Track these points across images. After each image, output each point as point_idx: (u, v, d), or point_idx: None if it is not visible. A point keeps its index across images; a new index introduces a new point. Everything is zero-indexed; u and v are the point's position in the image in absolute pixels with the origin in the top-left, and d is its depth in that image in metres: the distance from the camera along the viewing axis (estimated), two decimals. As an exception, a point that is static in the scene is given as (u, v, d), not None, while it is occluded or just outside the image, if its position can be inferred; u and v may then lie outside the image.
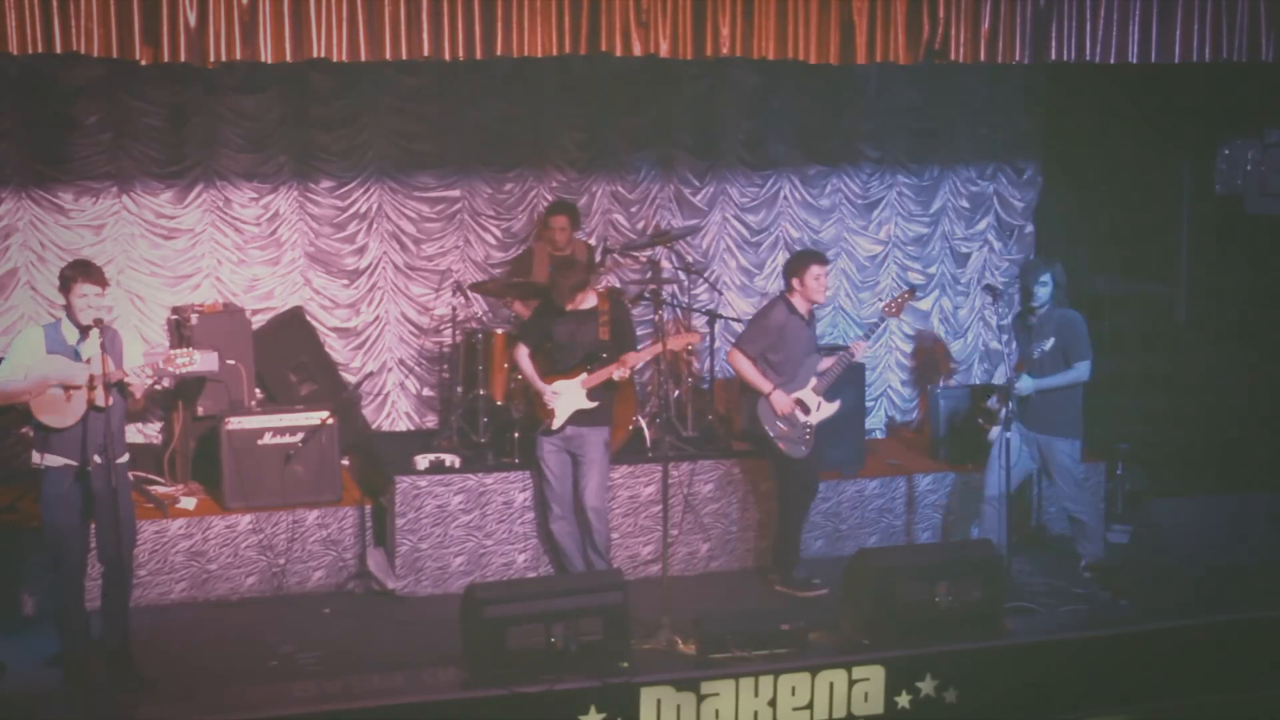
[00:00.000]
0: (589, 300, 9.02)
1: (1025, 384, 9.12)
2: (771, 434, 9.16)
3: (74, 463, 7.55)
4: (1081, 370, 9.23)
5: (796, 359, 9.17)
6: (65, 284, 7.59)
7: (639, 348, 9.25)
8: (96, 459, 7.49)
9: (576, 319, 8.99)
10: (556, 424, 8.96)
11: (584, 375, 8.91)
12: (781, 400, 9.10)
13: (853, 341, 9.34)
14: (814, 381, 9.16)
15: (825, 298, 9.44)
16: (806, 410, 9.14)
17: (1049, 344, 9.09)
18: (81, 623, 7.77)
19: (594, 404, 8.93)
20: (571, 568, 9.14)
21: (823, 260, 9.32)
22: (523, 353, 9.13)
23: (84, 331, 7.54)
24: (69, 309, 7.60)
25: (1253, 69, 9.47)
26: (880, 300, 10.85)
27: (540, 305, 9.28)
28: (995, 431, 9.14)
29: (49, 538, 7.67)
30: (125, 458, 7.82)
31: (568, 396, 8.92)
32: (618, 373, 8.89)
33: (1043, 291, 9.24)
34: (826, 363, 9.22)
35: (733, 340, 9.72)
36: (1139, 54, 9.14)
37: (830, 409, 9.20)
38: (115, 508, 7.52)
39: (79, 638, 7.76)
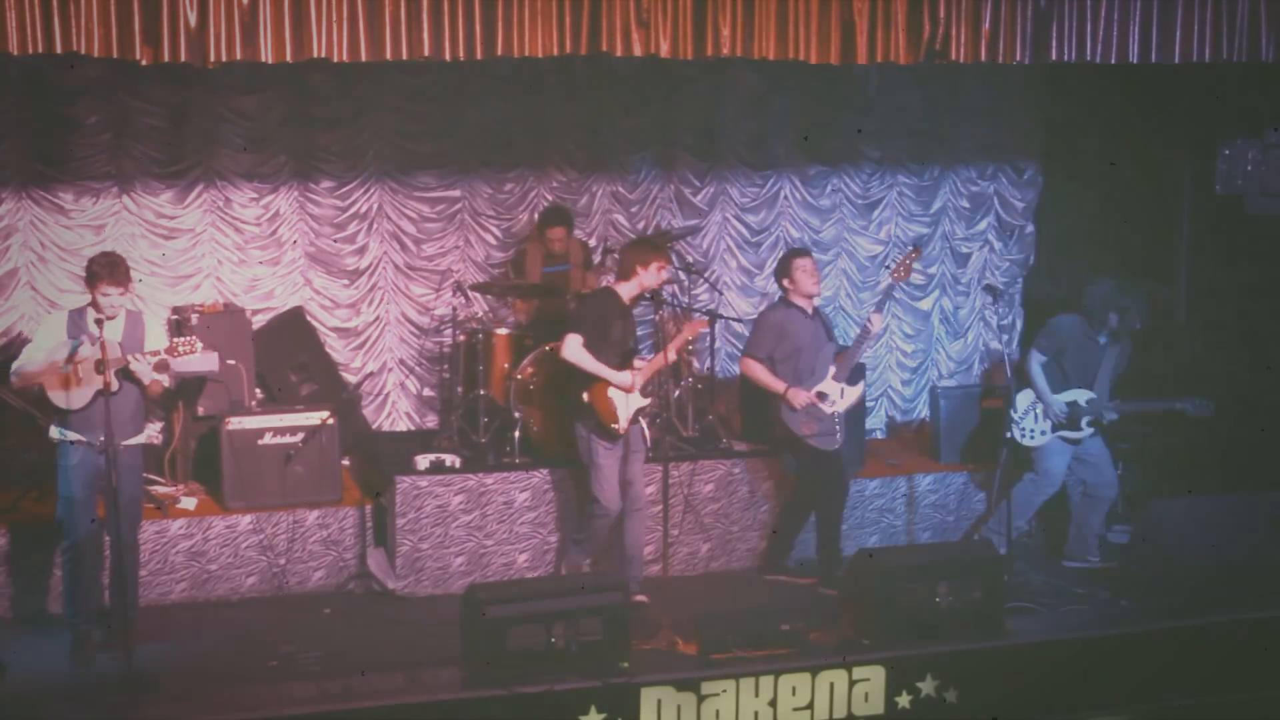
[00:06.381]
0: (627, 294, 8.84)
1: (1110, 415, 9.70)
2: (801, 432, 9.13)
3: (82, 439, 7.85)
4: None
5: (807, 353, 9.17)
6: (91, 280, 7.83)
7: (645, 354, 9.22)
8: (102, 439, 7.72)
9: (625, 315, 8.83)
10: (623, 427, 8.82)
11: (629, 375, 8.75)
12: (797, 395, 9.09)
13: (869, 315, 9.28)
14: (832, 370, 9.17)
15: (819, 288, 9.40)
16: (829, 400, 9.15)
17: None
18: (91, 597, 8.05)
19: (647, 400, 8.88)
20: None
21: (803, 253, 9.39)
22: (577, 343, 8.69)
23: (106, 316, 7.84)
24: (93, 300, 7.84)
25: (1253, 69, 9.47)
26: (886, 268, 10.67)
27: (596, 298, 8.97)
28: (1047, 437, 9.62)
29: (61, 508, 7.98)
30: (138, 439, 8.06)
31: (626, 399, 8.81)
32: (671, 354, 8.82)
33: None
34: (848, 349, 9.25)
35: (738, 345, 9.70)
36: (1139, 54, 9.14)
37: (854, 394, 9.25)
38: (116, 487, 7.72)
39: (86, 612, 8.02)
